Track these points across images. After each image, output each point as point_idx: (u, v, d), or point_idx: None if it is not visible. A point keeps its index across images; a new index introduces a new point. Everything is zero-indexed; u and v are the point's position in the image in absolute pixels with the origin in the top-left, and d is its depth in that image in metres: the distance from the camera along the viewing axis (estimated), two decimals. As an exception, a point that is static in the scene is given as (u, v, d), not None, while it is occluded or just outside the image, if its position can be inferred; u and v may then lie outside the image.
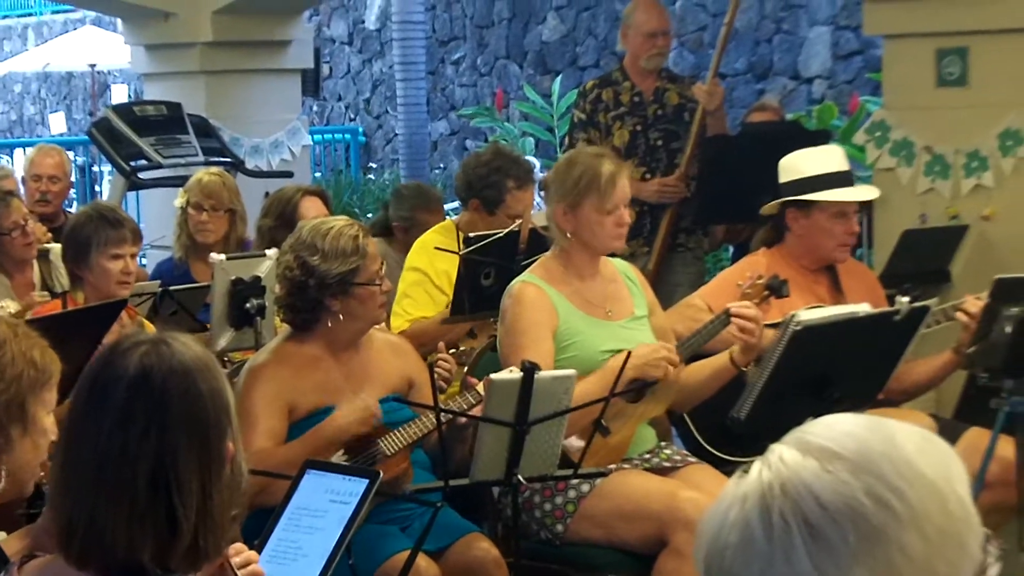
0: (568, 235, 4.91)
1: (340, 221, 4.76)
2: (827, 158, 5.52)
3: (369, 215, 16.18)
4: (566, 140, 7.78)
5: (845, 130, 12.67)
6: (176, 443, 2.39)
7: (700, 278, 7.58)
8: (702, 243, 7.70)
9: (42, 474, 2.97)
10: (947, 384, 6.55)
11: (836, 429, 1.55)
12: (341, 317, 4.63)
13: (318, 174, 16.18)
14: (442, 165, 17.75)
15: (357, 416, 4.50)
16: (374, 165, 18.53)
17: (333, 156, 18.13)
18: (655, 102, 7.48)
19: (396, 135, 17.31)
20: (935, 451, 1.56)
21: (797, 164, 5.48)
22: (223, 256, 5.58)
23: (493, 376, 4.34)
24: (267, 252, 5.45)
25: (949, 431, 5.35)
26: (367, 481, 3.41)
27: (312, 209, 6.02)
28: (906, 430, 1.56)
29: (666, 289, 7.21)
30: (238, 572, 2.62)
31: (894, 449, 1.53)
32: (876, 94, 9.84)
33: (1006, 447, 5.12)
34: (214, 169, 7.25)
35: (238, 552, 2.72)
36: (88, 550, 2.40)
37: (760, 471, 1.54)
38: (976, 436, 5.31)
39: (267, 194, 9.99)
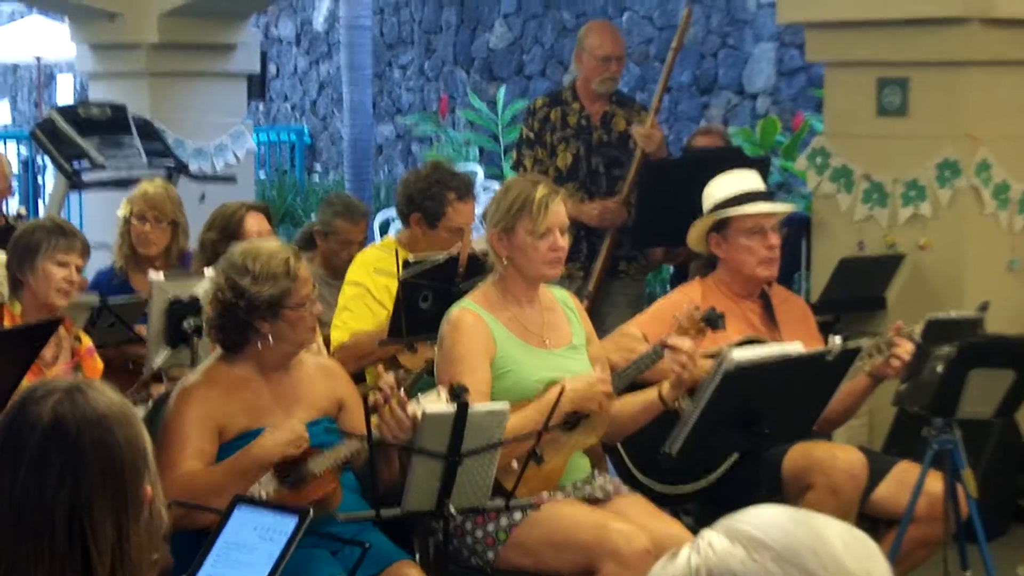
0: (504, 260, 4.94)
1: (273, 244, 4.78)
2: (741, 180, 5.58)
3: (313, 215, 16.15)
4: (513, 155, 7.80)
5: (788, 146, 12.76)
6: (91, 491, 2.40)
7: (639, 301, 7.63)
8: (642, 269, 7.74)
9: None
10: (877, 417, 6.63)
11: (765, 519, 1.59)
12: (271, 339, 4.64)
13: (262, 174, 16.15)
14: (387, 168, 17.74)
15: (285, 438, 4.50)
16: (319, 167, 18.49)
17: (278, 157, 18.09)
18: (601, 127, 7.52)
19: (341, 137, 17.28)
20: (861, 548, 1.59)
21: (713, 190, 5.57)
22: (161, 275, 5.59)
23: (427, 408, 4.36)
24: (205, 271, 5.45)
25: (879, 464, 5.43)
26: (296, 518, 3.42)
27: (255, 224, 6.03)
28: (833, 525, 1.60)
29: (605, 313, 7.26)
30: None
31: (820, 543, 1.56)
32: (820, 111, 9.89)
33: (934, 482, 5.19)
34: (158, 180, 7.24)
35: None
36: None
37: (689, 556, 1.57)
38: (905, 470, 5.39)
39: (203, 196, 10.09)
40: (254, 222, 6.05)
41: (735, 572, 1.53)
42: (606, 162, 7.51)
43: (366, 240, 7.25)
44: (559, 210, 4.92)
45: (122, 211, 6.85)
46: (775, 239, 5.51)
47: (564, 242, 4.94)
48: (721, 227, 5.51)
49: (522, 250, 4.91)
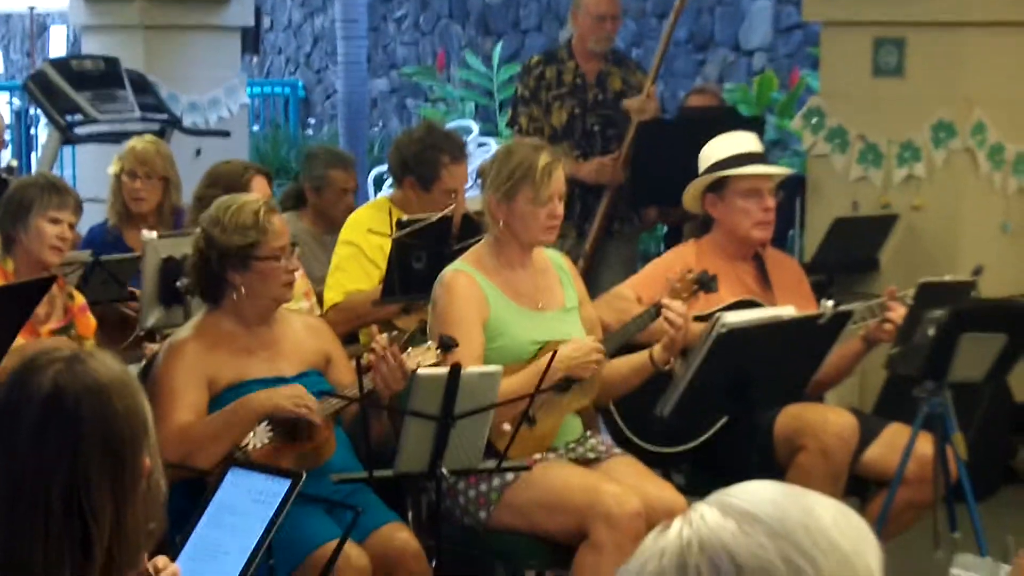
0: (500, 224, 4.94)
1: (247, 197, 4.82)
2: (738, 141, 5.58)
3: (306, 171, 16.12)
4: (509, 112, 7.78)
5: (784, 104, 12.75)
6: (89, 463, 2.39)
7: (633, 261, 7.64)
8: (636, 227, 7.74)
9: None
10: (868, 379, 6.65)
11: (758, 494, 1.60)
12: (243, 291, 4.67)
13: (256, 128, 16.10)
14: (381, 123, 17.70)
15: (287, 392, 4.54)
16: (312, 121, 18.45)
17: (272, 110, 18.04)
18: (597, 86, 7.50)
19: (336, 91, 17.24)
20: (851, 526, 1.60)
21: (710, 151, 5.57)
22: (155, 234, 5.58)
23: (420, 370, 4.38)
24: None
25: (870, 426, 5.45)
26: (289, 482, 3.43)
27: (260, 189, 6.01)
28: (824, 502, 1.61)
29: (599, 273, 7.26)
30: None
31: (812, 519, 1.58)
32: (816, 68, 9.88)
33: (924, 444, 5.20)
34: (148, 137, 7.20)
35: (162, 568, 2.73)
36: (8, 570, 2.40)
37: (681, 528, 1.58)
38: (895, 432, 5.40)
39: (198, 151, 10.07)
40: (259, 186, 6.02)
41: (727, 545, 1.54)
42: (601, 121, 7.49)
43: (358, 187, 7.22)
44: (560, 177, 4.92)
45: (113, 168, 6.83)
46: (771, 201, 5.51)
47: (561, 209, 4.94)
48: (718, 188, 5.51)
49: (521, 217, 4.90)
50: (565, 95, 7.48)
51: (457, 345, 4.47)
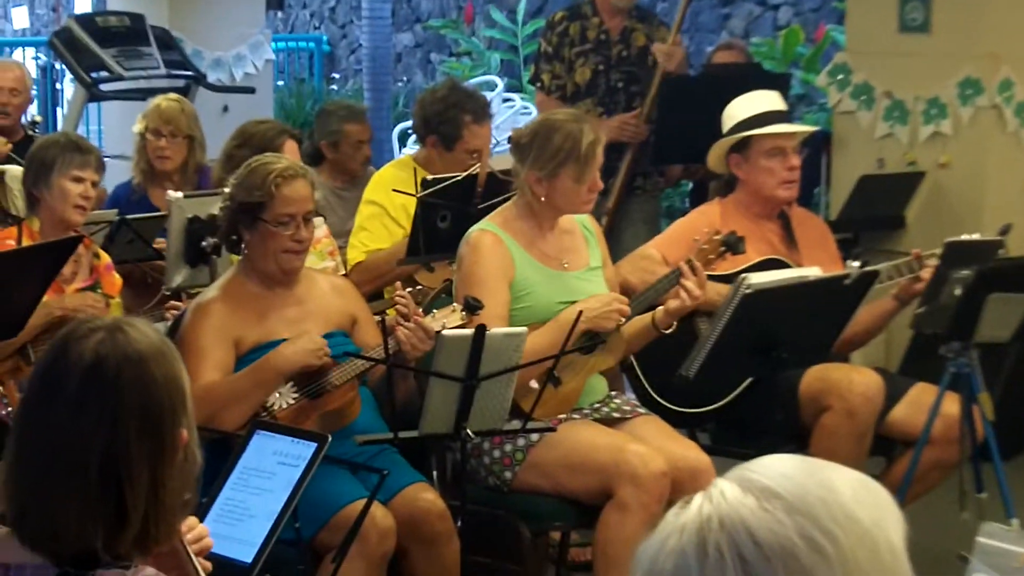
0: (541, 199, 4.92)
1: (271, 160, 4.81)
2: (762, 100, 5.56)
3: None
4: (531, 69, 7.74)
5: (809, 58, 12.69)
6: (128, 433, 2.41)
7: (656, 218, 7.62)
8: (658, 184, 7.71)
9: (8, 409, 2.98)
10: (894, 338, 6.63)
11: (777, 469, 1.60)
12: (247, 249, 4.74)
13: (280, 83, 16.08)
14: (405, 78, 17.66)
15: (306, 347, 4.55)
16: (337, 75, 18.43)
17: (296, 65, 18.02)
18: (620, 42, 7.45)
19: (360, 46, 17.21)
20: (872, 498, 1.60)
21: (733, 111, 5.56)
22: (180, 194, 5.58)
23: (444, 332, 4.38)
24: (225, 191, 5.46)
25: (895, 386, 5.44)
26: (315, 445, 3.44)
27: (290, 153, 6.00)
28: (845, 476, 1.61)
29: (622, 229, 7.24)
30: (190, 548, 2.65)
31: (831, 493, 1.57)
32: (842, 23, 9.83)
33: (951, 404, 5.20)
34: (172, 95, 7.20)
35: (190, 528, 2.75)
36: (40, 536, 2.42)
37: (701, 504, 1.59)
38: (921, 392, 5.39)
39: (225, 108, 10.07)
40: (291, 150, 6.02)
41: (746, 521, 1.55)
42: (625, 78, 7.45)
43: (373, 137, 7.26)
44: (601, 152, 4.91)
45: (137, 127, 6.83)
46: (795, 160, 5.50)
47: (599, 180, 4.94)
48: (741, 147, 5.50)
49: (563, 193, 4.89)
50: (589, 51, 7.44)
51: (482, 307, 4.47)
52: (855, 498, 1.58)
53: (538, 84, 7.51)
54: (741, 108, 5.54)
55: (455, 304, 4.65)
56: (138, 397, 2.42)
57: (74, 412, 2.41)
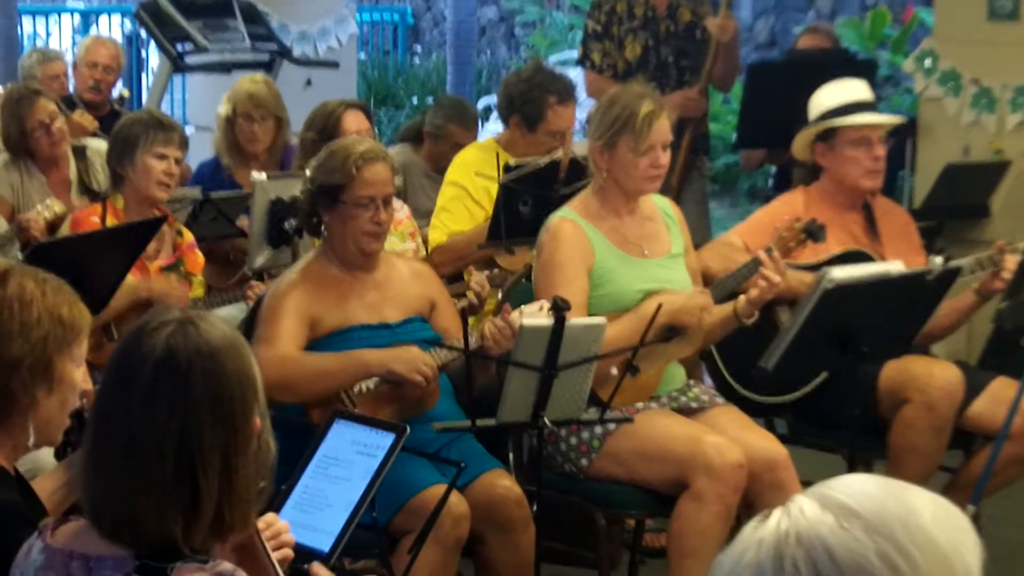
0: (604, 173, 4.93)
1: (352, 143, 4.83)
2: (849, 89, 5.53)
3: (414, 97, 16.14)
4: (580, 50, 7.71)
5: (896, 40, 12.60)
6: (200, 423, 2.45)
7: (704, 197, 7.57)
8: (706, 162, 7.66)
9: (84, 400, 3.03)
10: (976, 330, 6.58)
11: (857, 488, 1.60)
12: (327, 232, 4.75)
13: (363, 55, 16.12)
14: (489, 52, 17.66)
15: (406, 358, 4.56)
16: (420, 48, 18.45)
17: (380, 37, 18.05)
18: (668, 18, 7.40)
19: (444, 18, 17.21)
20: (951, 522, 1.60)
21: (820, 100, 5.53)
22: (263, 175, 5.62)
23: (524, 321, 4.38)
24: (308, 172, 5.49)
25: (975, 379, 5.40)
26: (394, 436, 3.46)
27: (354, 123, 6.02)
28: (925, 497, 1.61)
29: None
30: (268, 544, 2.68)
31: (910, 514, 1.57)
32: (930, 4, 9.73)
33: (1031, 399, 5.15)
34: (258, 76, 7.23)
35: (269, 525, 2.78)
36: (119, 526, 2.46)
37: (779, 519, 1.59)
38: (1002, 386, 5.35)
39: (308, 82, 10.10)
40: (352, 120, 6.03)
41: (824, 539, 1.55)
42: (674, 53, 7.40)
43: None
44: (663, 126, 4.89)
45: (224, 109, 6.85)
46: (880, 150, 5.46)
47: (666, 159, 4.91)
48: (827, 136, 5.47)
49: (622, 165, 4.89)
50: (637, 28, 7.40)
51: (569, 308, 4.40)
52: (935, 521, 1.58)
53: (588, 64, 7.47)
54: (829, 96, 5.51)
55: (543, 302, 4.59)
56: (209, 388, 2.46)
57: (147, 403, 2.45)
